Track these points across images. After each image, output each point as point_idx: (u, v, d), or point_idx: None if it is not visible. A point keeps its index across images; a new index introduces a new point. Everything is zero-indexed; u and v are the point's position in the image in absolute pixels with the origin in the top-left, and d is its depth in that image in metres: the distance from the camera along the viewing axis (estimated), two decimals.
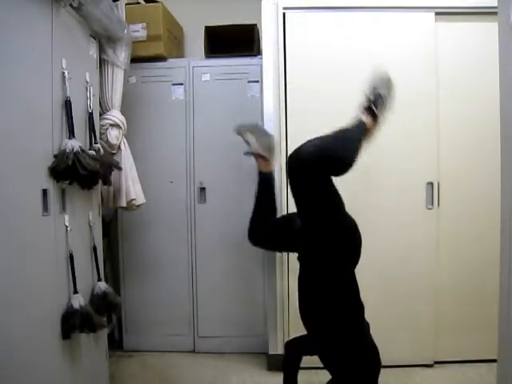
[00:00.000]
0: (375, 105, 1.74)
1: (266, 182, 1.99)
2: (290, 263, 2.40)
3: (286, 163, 1.62)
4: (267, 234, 1.96)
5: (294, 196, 1.59)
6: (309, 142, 1.55)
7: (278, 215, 2.08)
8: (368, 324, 1.58)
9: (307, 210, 1.56)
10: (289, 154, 1.65)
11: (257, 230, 1.97)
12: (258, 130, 2.04)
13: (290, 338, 1.89)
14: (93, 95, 1.97)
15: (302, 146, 1.54)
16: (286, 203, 2.39)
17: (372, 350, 1.52)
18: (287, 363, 1.73)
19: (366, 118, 1.74)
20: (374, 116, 1.74)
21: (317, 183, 1.49)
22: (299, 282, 1.64)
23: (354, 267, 1.56)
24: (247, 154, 2.06)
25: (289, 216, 2.00)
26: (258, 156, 2.02)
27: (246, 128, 2.03)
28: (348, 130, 1.67)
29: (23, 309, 1.46)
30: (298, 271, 1.66)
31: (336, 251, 1.49)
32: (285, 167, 1.75)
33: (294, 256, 2.36)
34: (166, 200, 2.69)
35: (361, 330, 1.53)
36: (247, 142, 2.03)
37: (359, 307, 1.55)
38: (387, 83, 1.79)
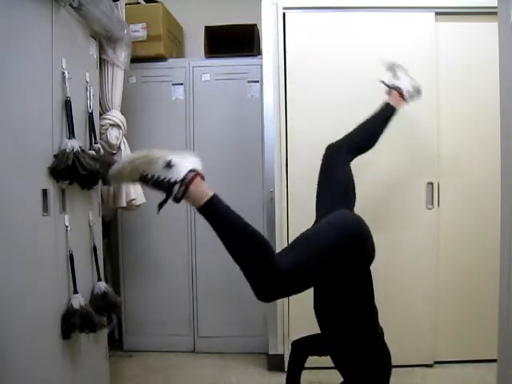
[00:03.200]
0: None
1: (388, 115, 1.88)
2: None
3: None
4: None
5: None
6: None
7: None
8: (382, 329, 1.57)
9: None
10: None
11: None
12: (412, 78, 1.99)
13: (291, 337, 1.88)
14: (93, 95, 1.98)
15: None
16: (286, 203, 2.39)
17: (385, 355, 1.52)
18: (293, 363, 1.72)
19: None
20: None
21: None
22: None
23: (369, 267, 1.53)
24: (385, 84, 1.96)
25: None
26: (397, 91, 1.92)
27: (402, 66, 2.00)
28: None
29: (23, 309, 1.46)
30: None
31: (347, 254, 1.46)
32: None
33: None
34: None
35: (375, 334, 1.53)
36: (396, 76, 1.97)
37: (373, 310, 1.55)
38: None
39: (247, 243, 1.29)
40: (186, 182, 1.22)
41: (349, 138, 1.79)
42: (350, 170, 1.68)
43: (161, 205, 1.29)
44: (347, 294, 1.47)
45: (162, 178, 1.23)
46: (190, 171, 1.23)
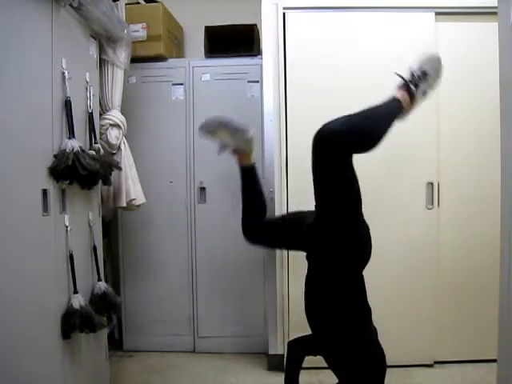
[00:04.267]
0: (415, 82, 1.64)
1: (250, 175, 1.85)
2: (290, 264, 2.41)
3: (313, 140, 1.49)
4: (267, 231, 1.88)
5: (316, 179, 1.50)
6: (336, 119, 1.47)
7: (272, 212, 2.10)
8: (375, 329, 1.57)
9: (327, 196, 1.50)
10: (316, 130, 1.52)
11: (251, 227, 1.90)
12: (230, 125, 1.78)
13: (291, 337, 1.88)
14: (93, 95, 1.98)
15: (328, 122, 1.46)
16: (286, 203, 2.39)
17: (378, 354, 1.52)
18: (289, 363, 1.72)
19: (402, 95, 1.64)
20: (411, 93, 1.64)
21: (342, 160, 1.44)
22: (306, 282, 1.63)
23: (362, 270, 1.55)
24: (222, 150, 1.85)
25: (295, 214, 1.93)
26: (236, 151, 1.85)
27: (214, 127, 1.80)
28: (378, 106, 1.61)
29: (23, 309, 1.46)
30: (300, 270, 1.66)
31: (346, 254, 1.47)
32: (311, 145, 1.46)
33: (294, 256, 2.37)
34: (166, 200, 2.69)
35: (368, 333, 1.53)
36: (221, 142, 1.84)
37: (366, 310, 1.55)
38: (436, 63, 1.68)
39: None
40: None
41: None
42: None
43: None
44: (338, 293, 1.48)
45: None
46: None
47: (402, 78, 1.66)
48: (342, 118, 1.46)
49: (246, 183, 1.89)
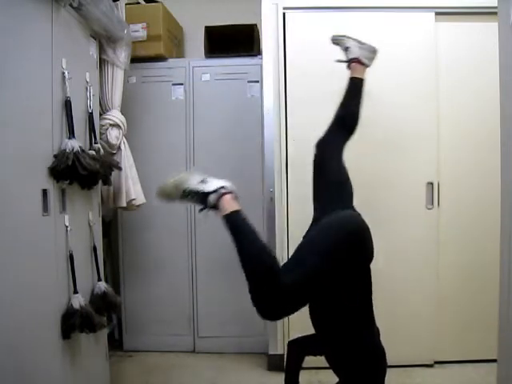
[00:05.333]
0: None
1: (357, 88, 1.82)
2: None
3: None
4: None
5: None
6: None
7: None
8: (378, 329, 1.57)
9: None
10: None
11: (328, 141, 1.74)
12: (360, 41, 1.90)
13: (291, 337, 1.88)
14: (93, 95, 1.98)
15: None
16: (286, 203, 2.39)
17: (379, 354, 1.52)
18: (289, 363, 1.72)
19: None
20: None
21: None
22: None
23: (367, 267, 1.54)
24: (341, 61, 1.89)
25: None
26: (355, 61, 1.84)
27: (346, 36, 1.91)
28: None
29: (23, 309, 1.46)
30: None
31: (346, 256, 1.46)
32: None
33: None
34: None
35: (370, 333, 1.53)
36: (346, 48, 1.89)
37: (369, 311, 1.55)
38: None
39: (256, 264, 1.40)
40: (219, 193, 1.44)
41: (331, 126, 1.79)
42: (342, 161, 1.68)
43: (201, 210, 1.50)
44: (343, 293, 1.47)
45: (199, 189, 1.47)
46: (222, 187, 1.45)
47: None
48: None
49: (349, 95, 1.83)
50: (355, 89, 1.83)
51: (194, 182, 1.49)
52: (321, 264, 1.36)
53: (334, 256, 1.37)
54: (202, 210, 1.50)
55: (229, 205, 1.45)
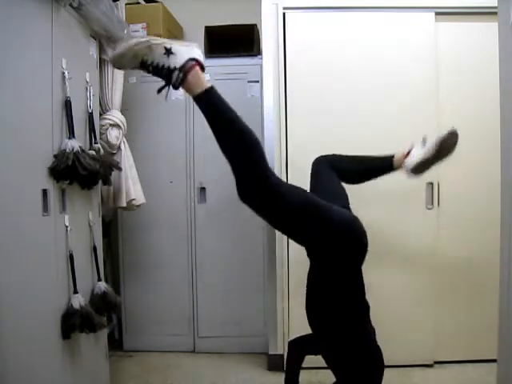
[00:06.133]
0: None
1: (385, 167, 1.78)
2: (290, 264, 2.41)
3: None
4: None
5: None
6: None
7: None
8: (374, 329, 1.57)
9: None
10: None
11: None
12: (438, 153, 1.69)
13: (291, 337, 1.88)
14: (93, 95, 1.98)
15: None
16: None
17: (376, 353, 1.52)
18: (289, 363, 1.73)
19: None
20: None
21: None
22: (308, 279, 1.62)
23: (361, 265, 1.55)
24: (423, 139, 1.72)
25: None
26: (407, 153, 1.74)
27: (442, 140, 1.68)
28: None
29: (23, 309, 1.46)
30: (300, 271, 1.66)
31: (341, 253, 1.47)
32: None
33: (294, 256, 2.38)
34: (166, 200, 2.69)
35: (366, 332, 1.53)
36: (423, 145, 1.72)
37: (365, 307, 1.55)
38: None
39: (240, 138, 1.29)
40: (184, 70, 1.24)
41: (338, 159, 1.76)
42: (336, 176, 1.71)
43: (159, 90, 1.32)
44: (336, 292, 1.48)
45: (162, 64, 1.25)
46: (190, 60, 1.24)
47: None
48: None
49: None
50: (382, 166, 1.80)
51: (157, 53, 1.26)
52: (312, 209, 1.37)
53: (325, 222, 1.39)
54: (162, 88, 1.32)
55: (197, 83, 1.26)
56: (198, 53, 1.27)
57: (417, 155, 1.70)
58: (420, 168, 1.70)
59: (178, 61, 1.24)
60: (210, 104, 1.28)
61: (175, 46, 1.26)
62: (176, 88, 1.27)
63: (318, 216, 1.39)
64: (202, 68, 1.27)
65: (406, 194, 2.38)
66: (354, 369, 1.49)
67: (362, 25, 2.37)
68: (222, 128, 1.29)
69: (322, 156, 1.77)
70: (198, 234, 2.70)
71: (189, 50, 1.26)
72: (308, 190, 1.62)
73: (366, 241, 1.50)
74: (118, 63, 1.32)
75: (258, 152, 1.30)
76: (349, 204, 1.64)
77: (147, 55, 1.25)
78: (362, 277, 1.55)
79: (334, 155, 1.78)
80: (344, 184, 1.71)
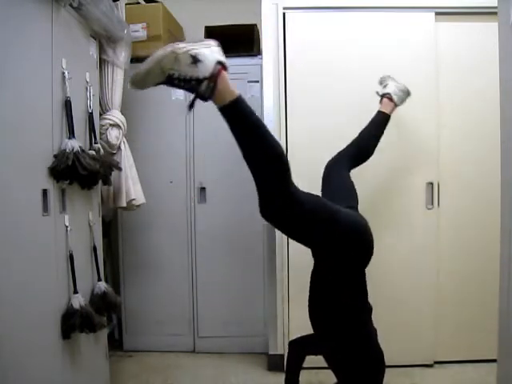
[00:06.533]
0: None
1: (382, 122, 1.98)
2: (290, 264, 2.40)
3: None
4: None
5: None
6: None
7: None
8: (375, 329, 1.57)
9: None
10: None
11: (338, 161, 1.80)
12: (398, 82, 2.08)
13: (291, 337, 1.88)
14: (93, 95, 1.98)
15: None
16: None
17: (378, 354, 1.52)
18: (290, 363, 1.73)
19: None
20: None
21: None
22: (311, 279, 1.62)
23: (365, 267, 1.55)
24: (377, 93, 2.07)
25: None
26: (387, 96, 2.03)
27: (390, 76, 2.10)
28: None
29: (23, 309, 1.46)
30: (300, 271, 1.66)
31: (346, 255, 1.47)
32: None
33: (294, 256, 2.37)
34: (166, 200, 2.69)
35: (368, 333, 1.53)
36: (385, 85, 2.07)
37: (367, 308, 1.55)
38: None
39: (265, 151, 1.21)
40: (214, 78, 1.14)
41: (346, 150, 1.85)
42: (349, 176, 1.74)
43: (191, 106, 1.19)
44: (340, 292, 1.48)
45: (190, 75, 1.14)
46: (217, 63, 1.15)
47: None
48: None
49: (371, 126, 1.96)
50: (380, 123, 1.97)
51: (184, 64, 1.15)
52: (329, 215, 1.38)
53: (339, 224, 1.40)
54: (192, 102, 1.19)
55: (225, 91, 1.17)
56: (218, 51, 1.18)
57: (393, 90, 2.04)
58: (405, 90, 2.07)
59: (206, 68, 1.14)
60: (238, 115, 1.20)
61: (200, 50, 1.16)
62: (205, 100, 1.17)
63: (327, 219, 1.39)
64: (225, 68, 1.17)
65: (406, 193, 2.38)
66: (355, 369, 1.49)
67: (362, 25, 2.37)
68: (249, 141, 1.22)
69: (329, 161, 1.80)
70: (197, 234, 2.70)
71: (211, 51, 1.17)
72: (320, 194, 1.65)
73: (372, 244, 1.51)
74: (142, 82, 1.18)
75: (285, 167, 1.24)
76: (357, 204, 1.64)
77: (173, 68, 1.14)
78: (365, 279, 1.55)
79: (338, 153, 1.83)
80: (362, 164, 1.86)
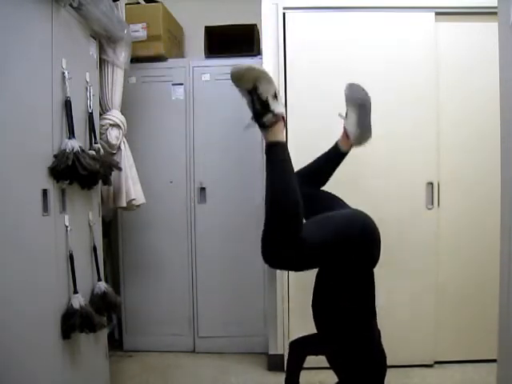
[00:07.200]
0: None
1: (332, 156, 1.79)
2: None
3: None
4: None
5: None
6: None
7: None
8: (379, 331, 1.57)
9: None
10: None
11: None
12: (365, 113, 1.76)
13: (291, 337, 1.88)
14: (93, 95, 1.98)
15: None
16: None
17: (379, 358, 1.52)
18: (290, 363, 1.72)
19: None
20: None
21: None
22: (316, 280, 1.62)
23: (370, 270, 1.55)
24: (341, 116, 1.79)
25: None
26: (345, 132, 1.76)
27: (357, 101, 1.75)
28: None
29: (23, 309, 1.46)
30: (299, 272, 1.65)
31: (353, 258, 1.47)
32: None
33: None
34: (166, 200, 2.69)
35: (369, 335, 1.53)
36: (343, 116, 1.78)
37: (370, 312, 1.55)
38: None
39: (286, 204, 1.29)
40: (277, 117, 1.32)
41: (300, 174, 1.69)
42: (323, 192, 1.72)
43: (248, 126, 1.38)
44: (347, 294, 1.47)
45: (266, 100, 1.32)
46: (283, 113, 1.33)
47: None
48: None
49: (325, 158, 1.78)
50: (333, 158, 1.80)
51: (269, 89, 1.33)
52: (336, 240, 1.37)
53: (348, 241, 1.39)
54: (252, 120, 1.36)
55: (278, 133, 1.34)
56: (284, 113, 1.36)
57: (351, 124, 1.74)
58: (364, 128, 1.75)
59: (278, 106, 1.33)
60: (278, 155, 1.33)
61: (279, 96, 1.36)
62: (261, 126, 1.33)
63: (337, 242, 1.39)
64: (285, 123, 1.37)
65: (406, 193, 2.38)
66: (355, 371, 1.49)
67: (362, 25, 2.37)
68: (277, 184, 1.31)
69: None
70: (198, 234, 2.70)
71: (282, 106, 1.36)
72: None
73: (379, 250, 1.52)
74: (239, 76, 1.33)
75: (298, 226, 1.29)
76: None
77: (262, 84, 1.32)
78: (371, 283, 1.55)
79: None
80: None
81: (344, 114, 1.78)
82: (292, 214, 1.28)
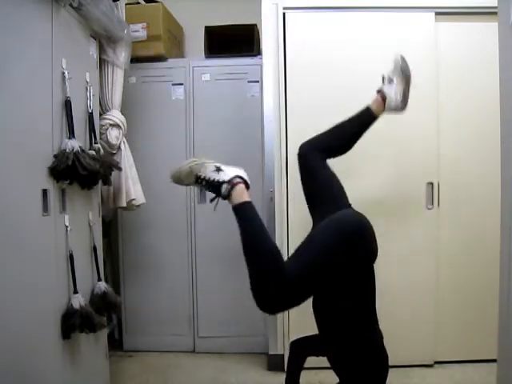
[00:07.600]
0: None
1: (365, 121, 1.77)
2: None
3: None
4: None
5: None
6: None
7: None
8: (381, 332, 1.57)
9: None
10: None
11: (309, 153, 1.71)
12: (408, 87, 1.81)
13: (291, 337, 1.88)
14: (93, 95, 1.98)
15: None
16: (286, 203, 2.39)
17: (380, 359, 1.52)
18: (291, 363, 1.72)
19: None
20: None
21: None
22: None
23: (370, 266, 1.55)
24: (382, 77, 1.81)
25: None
26: (381, 96, 1.77)
27: (408, 73, 1.81)
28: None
29: (23, 309, 1.46)
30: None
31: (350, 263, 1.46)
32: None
33: None
34: (166, 200, 2.69)
35: (370, 336, 1.52)
36: (390, 80, 1.79)
37: (373, 313, 1.55)
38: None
39: (261, 255, 1.40)
40: (232, 183, 1.42)
41: (324, 137, 1.75)
42: (329, 168, 1.68)
43: (211, 200, 1.52)
44: (346, 294, 1.47)
45: (213, 178, 1.46)
46: (236, 176, 1.44)
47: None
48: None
49: (354, 121, 1.76)
50: (362, 121, 1.78)
51: (209, 170, 1.47)
52: (320, 262, 1.37)
53: (333, 255, 1.38)
54: (213, 199, 1.50)
55: (240, 195, 1.42)
56: (244, 174, 1.46)
57: (395, 92, 1.77)
58: (404, 100, 1.80)
59: (226, 176, 1.44)
60: (245, 216, 1.43)
61: (223, 166, 1.48)
62: (224, 198, 1.45)
63: (331, 263, 1.39)
64: (247, 186, 1.45)
65: (406, 194, 2.38)
66: (356, 372, 1.49)
67: (362, 25, 2.37)
68: (249, 241, 1.43)
69: (305, 144, 1.73)
70: (197, 234, 2.70)
71: (236, 170, 1.46)
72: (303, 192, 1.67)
73: (375, 243, 1.52)
74: (178, 179, 1.54)
75: (279, 270, 1.34)
76: (346, 197, 1.64)
77: (201, 171, 1.49)
78: (371, 282, 1.55)
79: (316, 138, 1.74)
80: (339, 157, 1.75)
81: (385, 78, 1.82)
82: (269, 262, 1.36)
